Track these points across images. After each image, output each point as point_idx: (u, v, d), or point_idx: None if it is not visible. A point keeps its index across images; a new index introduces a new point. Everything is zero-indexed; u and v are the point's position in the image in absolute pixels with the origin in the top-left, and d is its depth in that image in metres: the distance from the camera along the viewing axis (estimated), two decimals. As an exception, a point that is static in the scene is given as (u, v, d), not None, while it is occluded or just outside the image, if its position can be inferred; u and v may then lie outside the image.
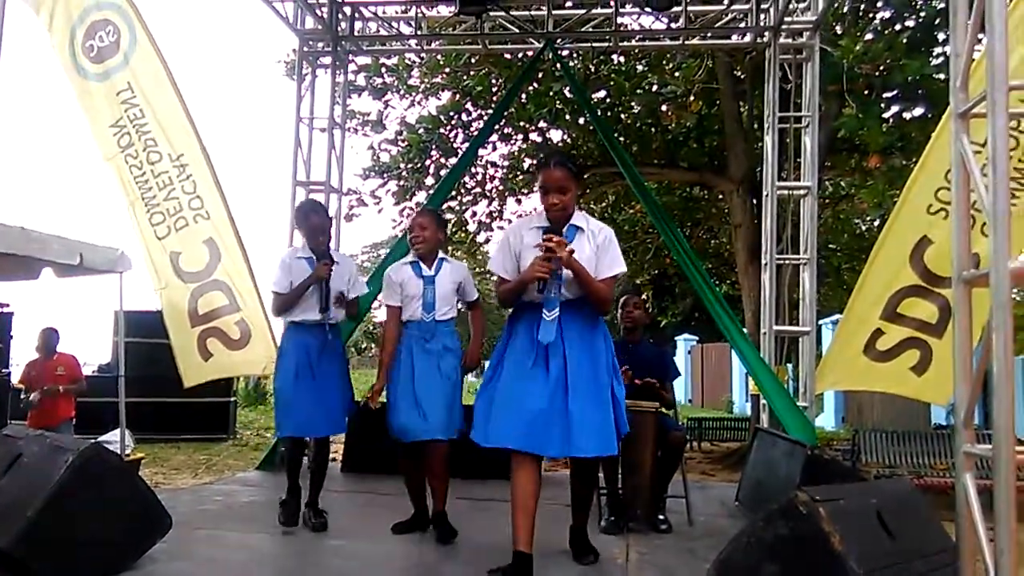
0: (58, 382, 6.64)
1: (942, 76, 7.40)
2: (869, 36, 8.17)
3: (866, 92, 8.16)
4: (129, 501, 3.31)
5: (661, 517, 4.42)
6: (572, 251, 3.19)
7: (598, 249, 3.32)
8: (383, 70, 10.92)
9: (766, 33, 6.86)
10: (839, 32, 8.25)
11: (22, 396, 6.77)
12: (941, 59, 7.77)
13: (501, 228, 12.75)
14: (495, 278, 3.51)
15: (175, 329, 6.14)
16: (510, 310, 3.46)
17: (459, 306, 4.10)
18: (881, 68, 7.80)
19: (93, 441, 3.43)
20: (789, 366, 7.35)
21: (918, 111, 8.57)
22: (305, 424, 4.05)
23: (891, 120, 8.70)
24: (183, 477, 7.67)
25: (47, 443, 3.32)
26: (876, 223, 12.28)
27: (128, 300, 6.47)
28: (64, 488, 3.05)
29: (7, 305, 7.75)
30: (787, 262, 6.71)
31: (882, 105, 8.35)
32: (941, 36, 7.93)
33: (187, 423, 10.20)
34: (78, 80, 6.11)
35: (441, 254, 4.03)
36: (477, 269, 14.18)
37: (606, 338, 3.44)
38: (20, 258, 5.70)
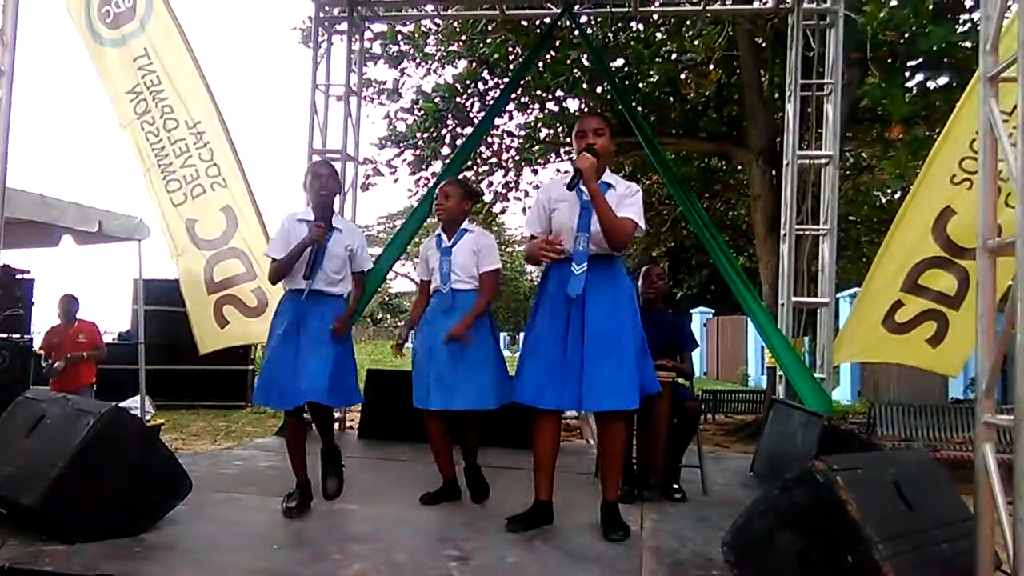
0: (80, 349, 6.71)
1: (968, 44, 7.22)
2: (894, 2, 7.98)
3: (890, 60, 7.99)
4: (150, 463, 3.37)
5: (675, 486, 4.44)
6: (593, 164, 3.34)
7: (621, 199, 3.44)
8: (399, 38, 10.82)
9: (789, -1, 6.72)
10: (863, -2, 8.07)
11: (43, 362, 6.85)
12: (967, 26, 7.58)
13: (517, 199, 12.69)
14: (526, 237, 3.72)
15: (191, 296, 6.19)
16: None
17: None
18: (906, 35, 7.63)
19: (114, 404, 3.46)
20: (806, 339, 7.29)
21: (943, 80, 8.39)
22: (277, 396, 3.68)
23: (915, 89, 8.53)
24: (202, 443, 7.77)
25: (69, 406, 3.37)
26: (897, 195, 12.13)
27: (148, 268, 6.55)
28: (86, 449, 3.11)
29: (27, 272, 7.80)
30: (806, 233, 6.62)
31: (906, 74, 8.17)
32: (968, 2, 7.74)
33: (206, 390, 10.37)
34: (94, 46, 6.12)
35: (466, 224, 4.06)
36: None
37: (630, 296, 3.52)
38: (39, 225, 5.77)
